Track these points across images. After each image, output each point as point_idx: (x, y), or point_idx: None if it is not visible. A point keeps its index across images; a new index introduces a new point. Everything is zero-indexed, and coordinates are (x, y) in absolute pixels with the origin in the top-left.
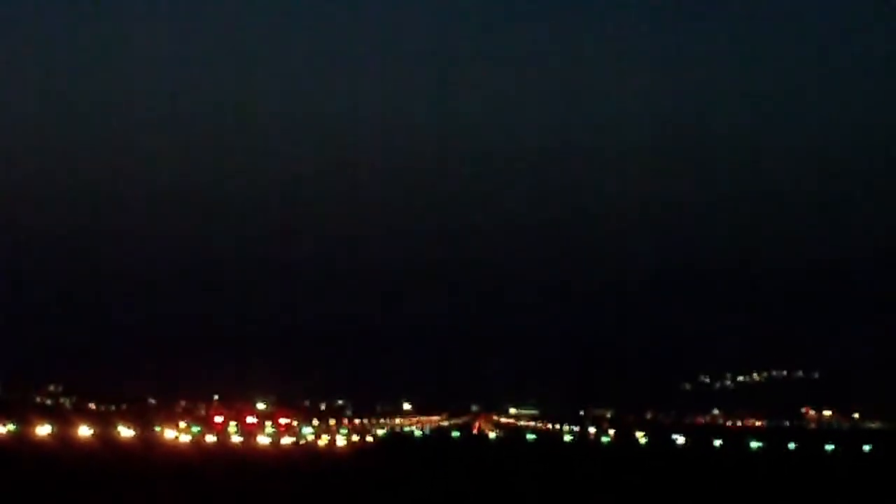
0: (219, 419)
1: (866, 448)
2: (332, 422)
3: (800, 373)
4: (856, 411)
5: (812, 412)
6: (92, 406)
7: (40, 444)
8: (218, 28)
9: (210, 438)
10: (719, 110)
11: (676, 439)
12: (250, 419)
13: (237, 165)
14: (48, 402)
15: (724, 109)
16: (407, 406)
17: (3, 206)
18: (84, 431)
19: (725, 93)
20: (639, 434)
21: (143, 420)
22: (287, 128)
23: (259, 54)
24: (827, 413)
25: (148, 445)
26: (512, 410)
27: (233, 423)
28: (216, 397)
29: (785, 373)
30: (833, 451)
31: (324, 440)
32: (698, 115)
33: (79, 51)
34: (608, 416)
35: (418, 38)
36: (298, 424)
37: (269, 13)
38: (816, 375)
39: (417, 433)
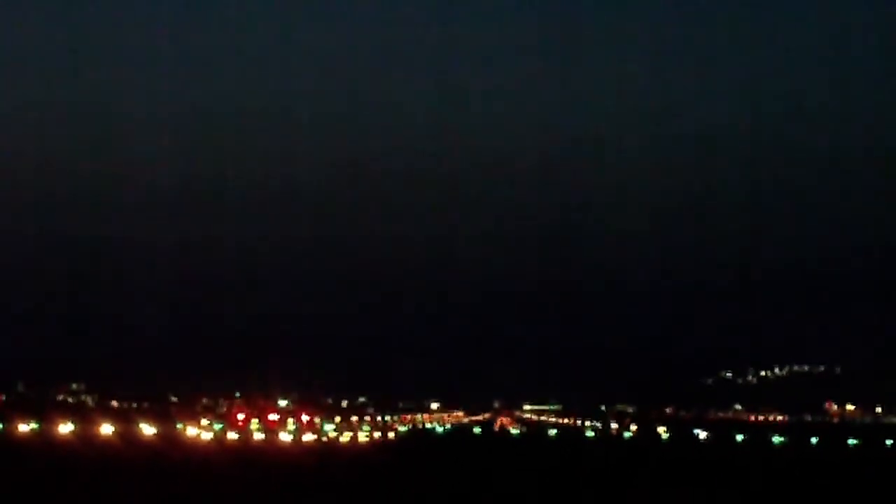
0: (241, 416)
1: (889, 442)
2: (353, 418)
3: (822, 367)
4: (878, 406)
5: (834, 407)
6: (114, 404)
7: (63, 442)
8: (218, 29)
9: (232, 436)
10: (728, 107)
11: (699, 434)
12: (272, 416)
13: (258, 161)
14: (70, 399)
15: (729, 107)
16: (428, 403)
17: (23, 205)
18: (106, 429)
19: (731, 91)
20: (661, 429)
21: (164, 417)
22: (288, 129)
23: (259, 55)
24: (849, 407)
25: (170, 443)
26: (534, 406)
27: (255, 421)
28: (238, 394)
29: (807, 367)
30: (856, 445)
31: (346, 437)
32: (707, 111)
33: (79, 52)
34: (630, 411)
35: (418, 38)
36: (320, 421)
37: (269, 14)
38: (839, 370)
39: (439, 429)
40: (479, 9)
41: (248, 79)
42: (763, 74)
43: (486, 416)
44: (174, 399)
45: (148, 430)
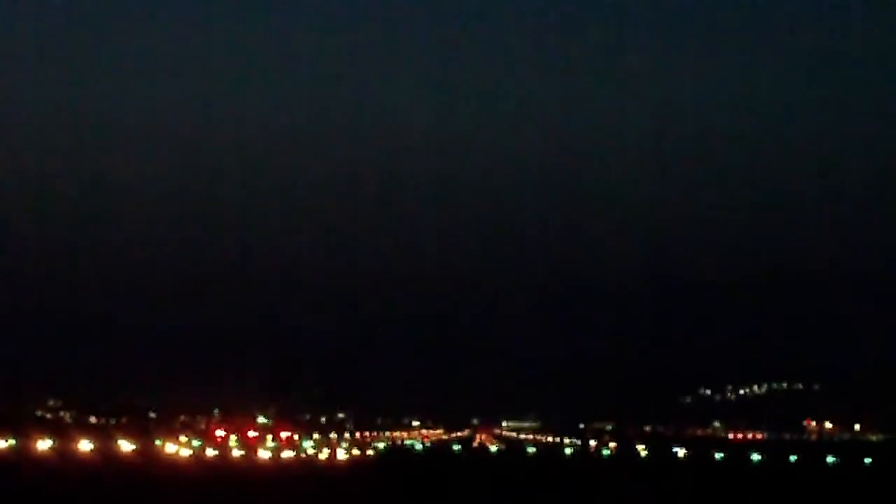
0: (220, 433)
1: (868, 460)
2: (332, 435)
3: (800, 385)
4: (857, 423)
5: (813, 424)
6: (92, 420)
7: (41, 458)
8: (218, 30)
9: (211, 452)
10: (725, 120)
11: (677, 452)
12: (251, 433)
13: (234, 173)
14: (48, 416)
15: (728, 118)
16: (407, 419)
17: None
18: (85, 445)
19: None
20: (640, 447)
21: (143, 434)
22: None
23: (259, 56)
24: (828, 425)
25: (149, 459)
26: (512, 423)
27: (234, 437)
28: (216, 411)
29: (785, 385)
30: (835, 463)
31: (325, 454)
32: (701, 122)
33: (78, 53)
34: (609, 428)
35: (418, 38)
36: (299, 438)
37: (268, 15)
38: (817, 387)
39: (418, 446)
40: (479, 9)
41: (248, 79)
42: (763, 76)
43: (465, 432)
44: (153, 415)
45: (126, 446)
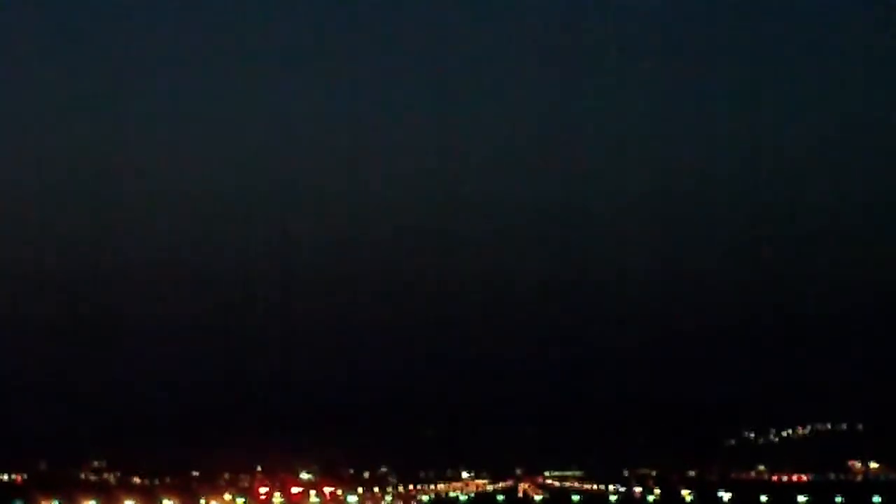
0: (263, 490)
1: None
2: (376, 489)
3: (844, 425)
4: None
5: (858, 465)
6: (136, 480)
7: None
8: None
9: None
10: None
11: (722, 496)
12: (295, 489)
13: (267, 226)
14: (92, 477)
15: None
16: (450, 471)
17: (35, 280)
18: None
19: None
20: (685, 492)
21: (187, 492)
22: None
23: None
24: (873, 465)
25: None
26: (556, 472)
27: (277, 494)
28: (259, 468)
29: (829, 426)
30: (880, 502)
31: None
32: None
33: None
34: (653, 474)
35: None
36: (343, 493)
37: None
38: (861, 427)
39: (462, 498)
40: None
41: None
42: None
43: (509, 483)
44: (196, 474)
45: None
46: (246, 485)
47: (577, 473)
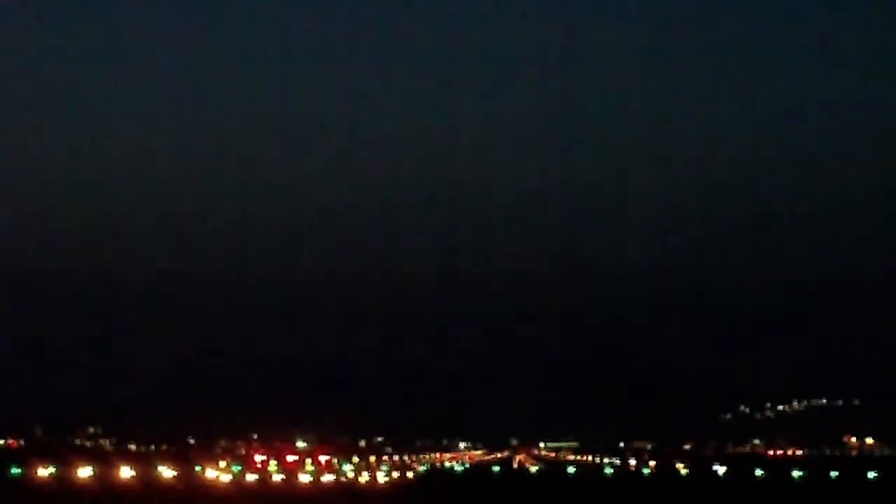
0: (259, 458)
1: None
2: (372, 458)
3: (840, 401)
4: None
5: (854, 440)
6: (132, 447)
7: (82, 486)
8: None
9: (251, 477)
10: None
11: (718, 470)
12: (291, 457)
13: (269, 195)
14: (88, 443)
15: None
16: (446, 441)
17: (35, 246)
18: (125, 473)
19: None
20: (680, 465)
21: (183, 460)
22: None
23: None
24: (869, 440)
25: (189, 485)
26: (551, 444)
27: (273, 462)
28: (255, 436)
29: (825, 401)
30: (876, 478)
31: (365, 477)
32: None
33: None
34: (648, 447)
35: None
36: (338, 461)
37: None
38: (857, 402)
39: (458, 468)
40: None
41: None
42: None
43: (504, 453)
44: (192, 441)
45: (167, 472)
46: (242, 452)
47: (573, 445)
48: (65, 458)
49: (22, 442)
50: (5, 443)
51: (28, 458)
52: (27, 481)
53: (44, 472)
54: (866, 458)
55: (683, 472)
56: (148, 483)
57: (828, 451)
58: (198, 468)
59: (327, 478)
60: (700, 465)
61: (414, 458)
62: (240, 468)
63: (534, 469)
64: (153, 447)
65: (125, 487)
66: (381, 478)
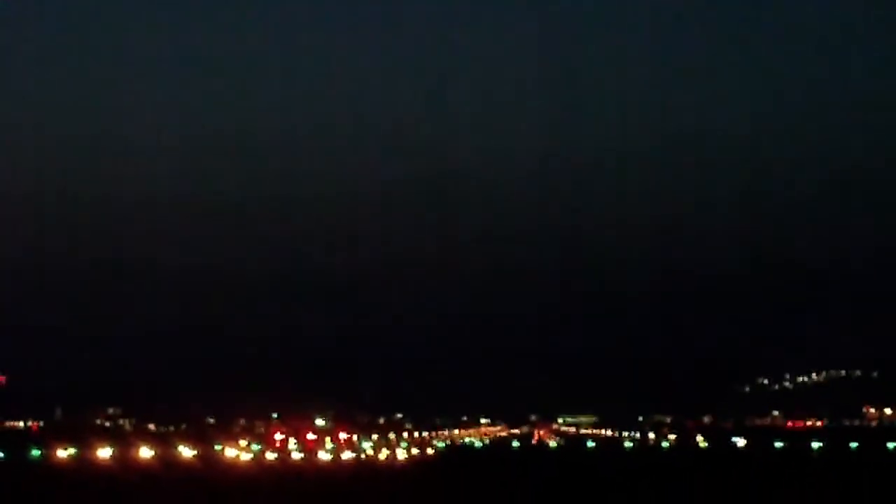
0: (279, 436)
1: None
2: (391, 435)
3: (859, 372)
4: None
5: (873, 410)
6: (151, 427)
7: (102, 466)
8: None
9: (271, 456)
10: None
11: (737, 442)
12: (310, 436)
13: (298, 182)
14: (108, 424)
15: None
16: (465, 418)
17: (54, 228)
18: (145, 453)
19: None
20: (699, 438)
21: (203, 440)
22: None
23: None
24: (888, 411)
25: (209, 465)
26: (570, 419)
27: (293, 440)
28: (275, 415)
29: (844, 372)
30: (895, 448)
31: (384, 454)
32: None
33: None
34: (667, 421)
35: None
36: (358, 439)
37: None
38: (876, 374)
39: (478, 444)
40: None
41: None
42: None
43: (524, 429)
44: (211, 421)
45: (187, 452)
46: (262, 431)
47: (592, 419)
48: (85, 439)
49: (42, 424)
50: (26, 425)
51: (48, 439)
52: (47, 463)
53: (63, 453)
54: (886, 429)
55: (703, 444)
56: (168, 463)
57: (847, 423)
58: (217, 447)
59: (347, 455)
60: (719, 438)
61: (433, 434)
62: (259, 447)
63: (553, 444)
64: (173, 427)
65: (145, 467)
66: (401, 455)
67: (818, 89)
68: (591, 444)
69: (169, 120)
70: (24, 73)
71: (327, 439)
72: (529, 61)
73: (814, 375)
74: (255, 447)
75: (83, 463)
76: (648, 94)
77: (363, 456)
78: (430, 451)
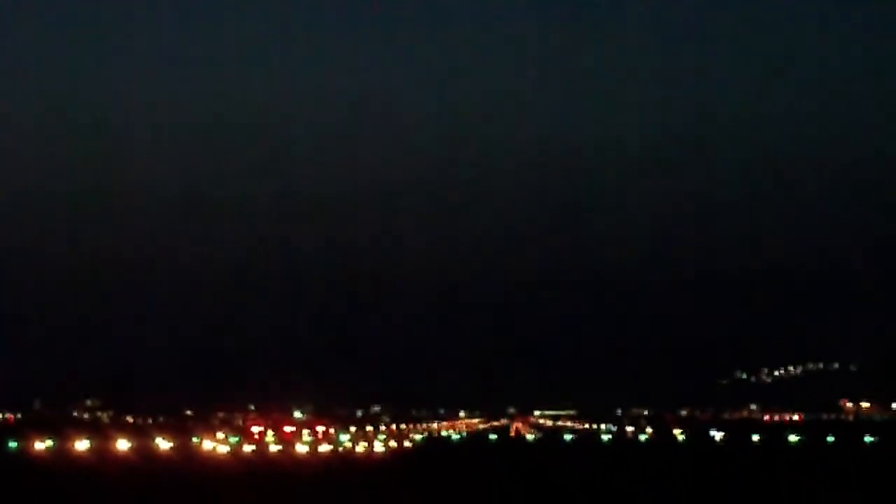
0: (257, 429)
1: None
2: (369, 428)
3: (836, 365)
4: (894, 402)
5: (850, 404)
6: (129, 419)
7: (79, 458)
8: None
9: (248, 448)
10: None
11: (715, 435)
12: (288, 428)
13: (272, 177)
14: (86, 416)
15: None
16: (442, 411)
17: (36, 223)
18: (122, 445)
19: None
20: (677, 431)
21: (180, 432)
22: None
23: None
24: (865, 405)
25: (187, 457)
26: (548, 411)
27: (271, 433)
28: (253, 407)
29: (821, 366)
30: (872, 442)
31: (362, 447)
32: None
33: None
34: (645, 413)
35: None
36: (336, 432)
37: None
38: (854, 368)
39: (455, 437)
40: (479, 10)
41: (248, 81)
42: (763, 77)
43: (502, 422)
44: (190, 413)
45: (164, 444)
46: (239, 424)
47: (570, 412)
48: (62, 430)
49: (19, 415)
50: (3, 417)
51: (25, 431)
52: (24, 454)
53: (41, 445)
54: (863, 423)
55: (681, 437)
56: (145, 455)
57: (824, 416)
58: (195, 440)
59: (324, 448)
60: (697, 431)
61: (411, 427)
62: (237, 439)
63: (531, 437)
64: (151, 419)
65: (122, 459)
66: (379, 447)
67: (818, 89)
68: (568, 437)
69: (169, 119)
70: (25, 73)
71: (305, 432)
72: (530, 60)
73: (791, 369)
74: (232, 439)
75: (60, 455)
76: (648, 94)
77: (340, 449)
78: (407, 443)
